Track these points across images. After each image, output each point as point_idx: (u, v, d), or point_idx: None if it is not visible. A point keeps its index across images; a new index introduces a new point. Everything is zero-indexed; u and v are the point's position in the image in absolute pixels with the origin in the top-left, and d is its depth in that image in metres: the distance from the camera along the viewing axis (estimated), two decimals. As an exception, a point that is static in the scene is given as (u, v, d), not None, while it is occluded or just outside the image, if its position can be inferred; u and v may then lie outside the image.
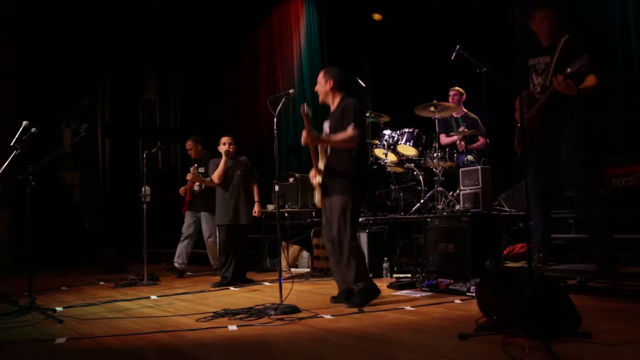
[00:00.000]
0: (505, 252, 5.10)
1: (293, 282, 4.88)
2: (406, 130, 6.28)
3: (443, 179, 5.84)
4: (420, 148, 6.29)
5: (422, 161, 6.27)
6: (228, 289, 5.30)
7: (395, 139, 6.28)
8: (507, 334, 2.64)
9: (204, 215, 6.50)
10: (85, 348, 2.98)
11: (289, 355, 2.71)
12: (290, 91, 4.07)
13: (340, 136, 3.94)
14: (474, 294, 4.07)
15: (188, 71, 11.01)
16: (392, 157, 6.36)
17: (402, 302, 4.05)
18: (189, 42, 10.60)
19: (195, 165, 6.39)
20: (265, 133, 9.09)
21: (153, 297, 4.79)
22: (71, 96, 9.35)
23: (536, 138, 4.08)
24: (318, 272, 6.26)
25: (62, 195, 9.49)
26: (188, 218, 6.58)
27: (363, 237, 5.73)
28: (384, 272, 5.59)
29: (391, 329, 3.17)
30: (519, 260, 4.91)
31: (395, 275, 5.55)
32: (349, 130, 3.90)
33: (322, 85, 4.18)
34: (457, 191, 5.50)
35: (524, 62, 4.17)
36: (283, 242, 6.72)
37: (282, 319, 3.48)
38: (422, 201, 5.91)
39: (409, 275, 5.29)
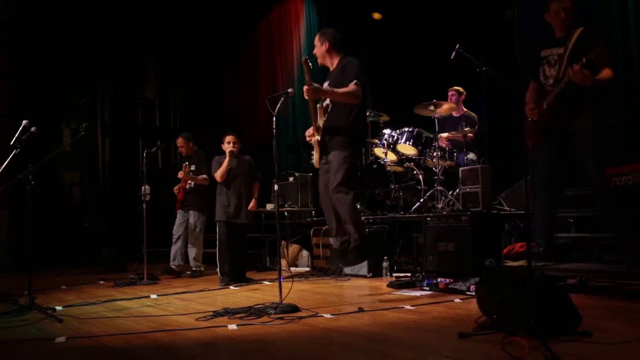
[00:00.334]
0: (505, 251, 5.11)
1: (293, 281, 4.88)
2: (406, 129, 6.28)
3: (443, 178, 5.84)
4: (420, 147, 6.29)
5: (421, 160, 6.28)
6: (228, 288, 5.31)
7: (395, 138, 6.29)
8: (507, 333, 2.64)
9: (192, 214, 6.49)
10: (85, 347, 2.98)
11: (288, 355, 2.71)
12: (289, 90, 4.07)
13: (343, 90, 3.94)
14: (473, 293, 4.07)
15: (188, 70, 11.00)
16: (391, 157, 6.37)
17: (401, 301, 4.04)
18: (189, 42, 10.59)
19: (186, 163, 6.39)
20: (264, 132, 9.09)
21: (153, 296, 4.79)
22: (71, 95, 9.35)
23: (548, 131, 4.04)
24: (318, 271, 6.26)
25: (62, 194, 9.48)
26: (179, 217, 6.56)
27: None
28: (384, 271, 5.59)
29: (391, 328, 3.17)
30: (519, 260, 4.91)
31: (395, 275, 5.55)
32: (352, 86, 3.92)
33: (319, 47, 4.24)
34: (457, 190, 5.50)
35: (536, 54, 4.14)
36: (283, 241, 6.72)
37: (281, 318, 3.48)
38: (421, 200, 5.91)
39: (409, 274, 5.29)
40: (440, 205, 5.62)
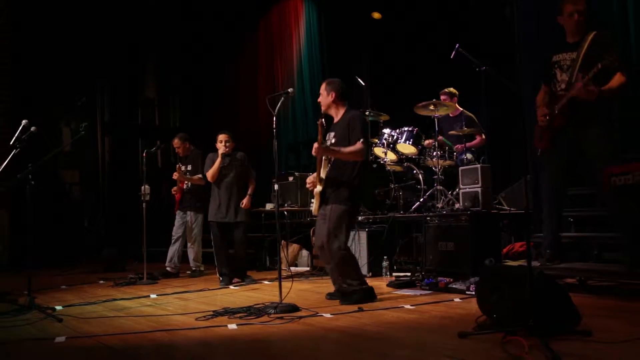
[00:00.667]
0: (504, 250, 5.11)
1: (292, 280, 4.88)
2: (405, 129, 6.28)
3: (442, 177, 5.84)
4: (419, 147, 6.29)
5: (421, 160, 6.27)
6: (228, 287, 5.31)
7: (395, 137, 6.28)
8: (507, 332, 2.64)
9: (189, 214, 6.48)
10: (85, 347, 2.98)
11: (288, 354, 2.71)
12: (289, 90, 4.08)
13: (350, 149, 4.00)
14: (473, 293, 4.08)
15: (187, 70, 11.00)
16: (391, 156, 6.36)
17: (401, 301, 4.05)
18: (189, 41, 10.58)
19: (179, 164, 6.38)
20: (264, 132, 9.08)
21: (152, 295, 4.79)
22: (71, 95, 9.34)
23: (559, 136, 4.02)
24: (317, 270, 6.27)
25: (62, 194, 9.47)
26: (178, 219, 6.54)
27: (362, 236, 5.74)
28: (384, 270, 5.59)
29: (390, 328, 3.17)
30: (519, 259, 4.92)
31: (394, 274, 5.55)
32: (359, 145, 3.98)
33: (324, 97, 4.24)
34: (457, 190, 5.50)
35: (547, 58, 4.13)
36: (282, 241, 6.72)
37: (281, 318, 3.48)
38: (421, 200, 5.91)
39: (409, 273, 5.29)
40: (440, 205, 5.62)
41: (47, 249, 7.78)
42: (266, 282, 5.63)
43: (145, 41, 10.41)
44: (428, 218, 5.04)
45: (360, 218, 5.97)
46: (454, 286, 4.44)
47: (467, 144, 6.21)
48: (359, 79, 6.96)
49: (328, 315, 3.56)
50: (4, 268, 7.94)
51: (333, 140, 4.17)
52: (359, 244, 5.73)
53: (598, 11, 4.77)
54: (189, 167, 6.46)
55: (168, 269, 6.48)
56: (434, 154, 5.86)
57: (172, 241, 6.53)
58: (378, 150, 6.45)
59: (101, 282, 6.06)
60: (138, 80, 10.88)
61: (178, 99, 11.24)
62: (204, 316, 3.60)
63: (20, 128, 4.31)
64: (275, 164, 4.01)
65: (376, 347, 2.74)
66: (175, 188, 6.49)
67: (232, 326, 3.30)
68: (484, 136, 6.25)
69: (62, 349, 2.95)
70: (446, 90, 6.47)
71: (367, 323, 3.32)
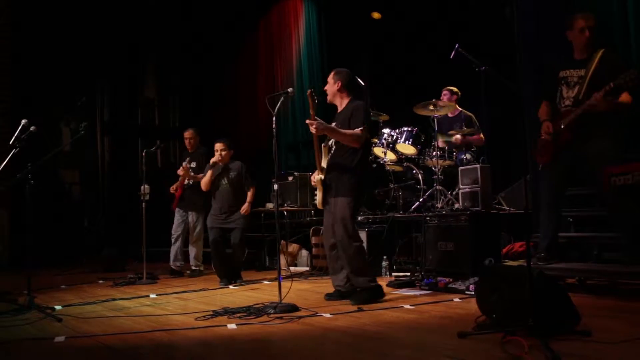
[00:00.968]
0: (504, 250, 5.11)
1: (292, 280, 4.88)
2: (405, 128, 6.28)
3: (442, 177, 5.84)
4: (419, 147, 6.29)
5: (421, 160, 6.27)
6: (227, 287, 5.31)
7: (395, 137, 6.28)
8: (506, 332, 2.64)
9: (191, 214, 6.48)
10: (84, 347, 2.98)
11: (288, 354, 2.71)
12: (288, 90, 4.07)
13: (347, 131, 3.99)
14: (473, 293, 4.08)
15: (187, 70, 10.99)
16: (391, 156, 6.36)
17: (401, 301, 4.05)
18: (188, 41, 10.58)
19: (187, 159, 6.38)
20: (264, 132, 9.08)
21: (152, 295, 4.79)
22: (70, 95, 9.34)
23: (563, 151, 4.01)
24: (317, 270, 6.27)
25: (61, 193, 9.47)
26: (177, 217, 6.54)
27: (362, 236, 5.71)
28: (383, 270, 5.59)
29: (390, 328, 3.17)
30: (518, 259, 4.92)
31: (394, 274, 5.55)
32: (357, 131, 3.97)
33: (331, 85, 4.25)
34: (456, 190, 5.50)
35: (553, 73, 4.14)
36: (282, 241, 6.72)
37: (281, 318, 3.48)
38: (421, 200, 5.91)
39: (408, 273, 5.29)
40: (439, 205, 5.62)
41: (46, 249, 7.78)
42: (266, 282, 5.63)
43: (145, 41, 10.41)
44: (428, 218, 5.03)
45: (360, 218, 5.97)
46: (453, 286, 4.44)
47: (469, 138, 6.21)
48: (359, 79, 6.95)
49: (327, 315, 3.56)
50: (3, 268, 7.94)
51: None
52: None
53: (598, 11, 4.78)
54: (193, 165, 6.46)
55: (173, 267, 6.49)
56: (434, 154, 5.86)
57: (173, 240, 6.53)
58: (378, 150, 6.45)
59: (101, 282, 6.05)
60: (138, 80, 10.88)
61: (178, 98, 11.24)
62: (204, 316, 3.60)
63: (19, 128, 4.31)
64: (275, 163, 4.01)
65: (376, 347, 2.74)
66: (175, 185, 6.48)
67: (232, 326, 3.30)
68: (482, 136, 6.24)
69: (61, 348, 2.95)
70: (448, 87, 6.47)
71: (366, 323, 3.32)
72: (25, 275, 4.15)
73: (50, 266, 7.63)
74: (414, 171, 6.27)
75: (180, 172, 6.32)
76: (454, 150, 6.19)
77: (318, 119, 3.93)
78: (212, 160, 5.65)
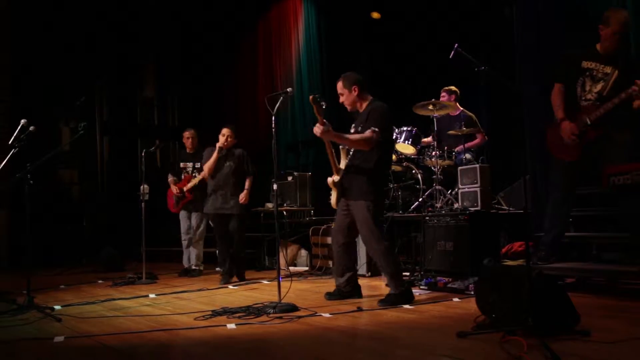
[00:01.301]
0: (503, 250, 5.11)
1: (291, 280, 4.88)
2: (404, 128, 6.27)
3: (442, 177, 5.83)
4: (418, 146, 6.29)
5: (420, 159, 6.27)
6: (227, 287, 5.30)
7: (394, 137, 6.27)
8: (506, 332, 2.64)
9: (194, 215, 6.47)
10: (84, 346, 2.98)
11: (287, 354, 2.71)
12: (288, 90, 4.06)
13: (356, 136, 3.92)
14: (472, 292, 4.08)
15: (186, 69, 10.98)
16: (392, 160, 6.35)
17: (400, 301, 4.04)
18: (188, 40, 10.57)
19: (195, 173, 6.37)
20: (263, 131, 9.08)
21: (151, 295, 4.79)
22: (69, 94, 9.32)
23: (591, 146, 3.97)
24: (317, 270, 6.27)
25: (61, 193, 9.46)
26: (184, 220, 6.54)
27: (362, 236, 5.73)
28: (383, 270, 5.58)
29: (389, 327, 3.17)
30: (518, 259, 4.92)
31: (393, 274, 5.54)
32: (367, 133, 3.87)
33: (348, 94, 4.10)
34: (456, 189, 5.50)
35: (573, 59, 4.08)
36: (281, 241, 6.72)
37: (280, 318, 3.48)
38: (420, 199, 5.91)
39: (408, 273, 5.29)
40: (439, 205, 5.62)
41: (46, 249, 7.78)
42: (265, 282, 5.62)
43: (144, 40, 10.39)
44: (427, 218, 5.03)
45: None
46: (453, 286, 4.44)
47: (467, 144, 6.20)
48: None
49: (327, 315, 3.55)
50: (3, 267, 7.93)
51: (353, 131, 4.09)
52: (357, 244, 5.72)
53: (597, 11, 4.78)
54: (197, 165, 6.46)
55: (194, 267, 6.51)
56: (433, 153, 5.85)
57: (185, 245, 6.54)
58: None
59: (100, 281, 6.05)
60: (137, 80, 10.87)
61: (177, 98, 11.24)
62: (203, 316, 3.60)
63: (19, 127, 4.30)
64: (275, 163, 4.01)
65: (375, 347, 2.74)
66: (177, 190, 6.44)
67: (231, 326, 3.30)
68: (484, 136, 6.24)
69: (60, 348, 2.95)
70: (447, 87, 6.47)
71: (366, 323, 3.32)
72: (24, 275, 4.14)
73: (49, 266, 7.62)
74: (414, 171, 6.27)
75: (188, 186, 6.31)
76: (453, 150, 6.18)
77: (327, 123, 3.82)
78: (218, 144, 5.63)
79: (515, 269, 3.40)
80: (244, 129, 9.63)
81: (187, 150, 6.69)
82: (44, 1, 8.92)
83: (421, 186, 6.06)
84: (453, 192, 5.69)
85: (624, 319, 3.15)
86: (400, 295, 3.93)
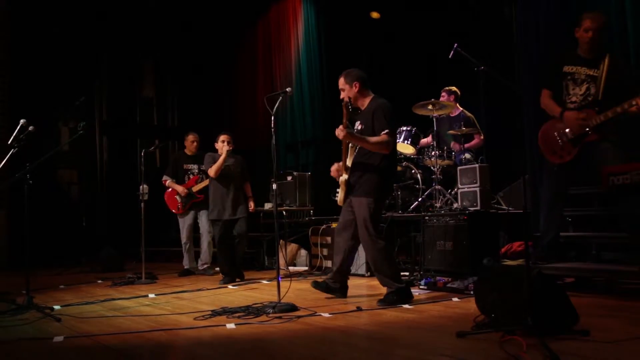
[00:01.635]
0: (503, 250, 5.11)
1: (291, 280, 4.88)
2: (404, 128, 6.28)
3: (441, 177, 5.84)
4: (418, 146, 6.29)
5: (419, 159, 6.28)
6: (226, 287, 5.30)
7: (393, 137, 6.27)
8: (505, 331, 2.64)
9: (203, 213, 6.47)
10: (83, 346, 2.98)
11: (286, 354, 2.70)
12: (287, 89, 4.07)
13: (376, 139, 3.93)
14: (471, 292, 4.08)
15: (186, 69, 10.98)
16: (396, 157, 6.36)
17: (400, 300, 4.04)
18: (187, 40, 10.57)
19: (202, 175, 6.38)
20: (262, 131, 9.08)
21: (151, 295, 4.79)
22: (69, 94, 9.31)
23: (587, 149, 3.98)
24: (316, 270, 6.27)
25: (60, 193, 9.45)
26: (188, 221, 6.53)
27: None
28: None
29: (389, 327, 3.17)
30: (517, 258, 4.92)
31: (393, 274, 5.54)
32: (384, 136, 3.90)
33: (349, 89, 4.13)
34: (455, 189, 5.50)
35: (556, 66, 4.13)
36: (281, 241, 6.72)
37: (280, 317, 3.48)
38: (420, 199, 5.91)
39: (407, 273, 5.29)
40: (438, 204, 5.62)
41: (45, 249, 7.77)
42: (264, 282, 5.62)
43: (143, 40, 10.39)
44: (426, 218, 5.03)
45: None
46: (452, 286, 4.44)
47: (466, 145, 6.21)
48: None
49: (326, 315, 3.56)
50: (2, 267, 7.93)
51: (359, 128, 4.13)
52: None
53: (596, 10, 4.79)
54: (203, 167, 6.46)
55: (201, 268, 6.52)
56: (432, 153, 5.86)
57: (188, 247, 6.55)
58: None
59: (99, 281, 6.05)
60: (136, 79, 10.87)
61: (176, 98, 11.23)
62: (203, 316, 3.60)
63: (18, 127, 4.30)
64: (274, 163, 4.01)
65: (375, 347, 2.75)
66: (195, 188, 6.44)
67: (231, 326, 3.30)
68: (482, 137, 6.25)
69: (60, 348, 2.95)
70: (447, 88, 6.47)
71: (365, 322, 3.32)
72: (23, 275, 4.14)
73: (49, 266, 7.62)
74: (413, 171, 6.27)
75: (196, 187, 6.31)
76: (452, 150, 6.19)
77: (349, 125, 3.94)
78: (226, 148, 5.66)
79: (514, 269, 3.40)
80: (244, 128, 9.65)
81: (189, 153, 6.70)
82: (43, 1, 8.91)
83: (420, 186, 6.07)
84: (452, 192, 5.69)
85: (623, 319, 3.15)
86: (399, 295, 3.94)
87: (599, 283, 4.36)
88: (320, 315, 3.56)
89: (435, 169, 5.76)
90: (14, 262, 7.94)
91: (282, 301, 3.75)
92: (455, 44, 5.40)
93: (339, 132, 3.89)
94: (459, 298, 4.09)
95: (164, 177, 6.63)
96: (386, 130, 3.91)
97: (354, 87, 4.11)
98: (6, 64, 8.51)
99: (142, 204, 6.00)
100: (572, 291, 3.60)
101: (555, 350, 2.29)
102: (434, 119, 5.93)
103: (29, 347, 3.00)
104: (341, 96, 4.18)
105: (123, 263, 7.45)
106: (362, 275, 5.66)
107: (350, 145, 4.14)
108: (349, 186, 4.10)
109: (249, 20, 9.91)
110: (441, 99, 6.38)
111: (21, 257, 7.36)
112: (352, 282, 5.34)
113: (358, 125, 4.15)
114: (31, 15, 8.80)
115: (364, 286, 5.06)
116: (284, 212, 6.98)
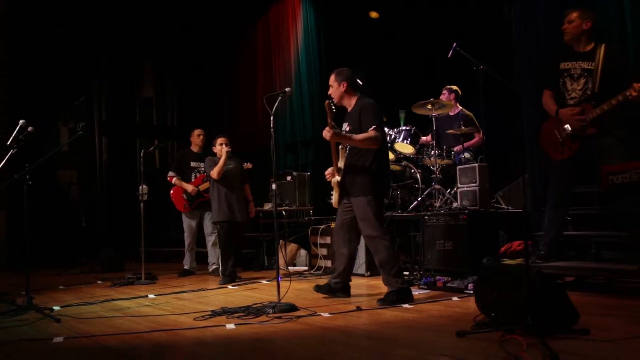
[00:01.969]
0: (502, 249, 5.12)
1: (291, 280, 4.88)
2: (403, 128, 6.28)
3: (440, 176, 5.84)
4: (417, 146, 6.29)
5: (419, 159, 6.28)
6: (226, 287, 5.30)
7: (393, 136, 6.28)
8: (505, 331, 2.64)
9: (208, 214, 6.46)
10: (83, 347, 2.98)
11: (286, 354, 2.70)
12: (286, 89, 4.08)
13: (363, 136, 3.95)
14: (471, 292, 4.08)
15: (185, 69, 10.98)
16: (389, 155, 6.36)
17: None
18: (187, 40, 10.56)
19: (207, 181, 6.39)
20: (262, 131, 9.08)
21: (151, 295, 4.79)
22: (68, 94, 9.32)
23: (587, 144, 3.98)
24: (316, 270, 6.27)
25: (59, 194, 9.45)
26: (191, 221, 6.52)
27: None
28: (382, 270, 5.58)
29: (389, 327, 3.17)
30: (517, 258, 4.92)
31: (393, 273, 5.54)
32: (371, 132, 3.93)
33: (336, 88, 4.20)
34: (455, 189, 5.50)
35: (554, 65, 4.15)
36: (281, 241, 6.72)
37: (279, 317, 3.48)
38: (419, 199, 5.91)
39: (407, 273, 5.29)
40: (438, 204, 5.62)
41: (45, 249, 7.77)
42: (264, 282, 5.62)
43: (143, 40, 10.39)
44: (426, 217, 5.03)
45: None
46: (452, 285, 4.44)
47: (465, 144, 6.21)
48: (357, 79, 6.95)
49: (326, 315, 3.56)
50: (2, 268, 7.92)
51: (347, 129, 4.15)
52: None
53: (596, 11, 4.79)
54: (200, 165, 6.45)
55: (215, 266, 6.49)
56: (432, 153, 5.86)
57: (191, 247, 6.54)
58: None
59: (99, 282, 6.05)
60: (136, 79, 10.87)
61: (176, 98, 11.23)
62: (202, 316, 3.60)
63: (17, 128, 4.30)
64: (274, 163, 4.01)
65: (375, 347, 2.75)
66: (194, 189, 6.43)
67: (231, 326, 3.30)
68: (482, 135, 6.25)
69: (59, 349, 2.94)
70: (448, 86, 6.48)
71: (365, 322, 3.32)
72: (23, 276, 4.14)
73: (48, 266, 7.62)
74: (413, 170, 6.27)
75: (203, 187, 6.31)
76: (452, 149, 6.19)
77: (335, 126, 3.97)
78: (226, 149, 5.70)
79: (514, 268, 3.40)
80: (243, 128, 9.65)
81: (196, 150, 6.68)
82: (43, 1, 8.90)
83: (420, 185, 6.07)
84: (452, 192, 5.69)
85: (623, 318, 3.15)
86: (399, 295, 3.94)
87: (599, 282, 4.37)
88: (320, 315, 3.56)
89: (435, 168, 5.76)
90: (13, 263, 7.94)
91: (281, 301, 3.75)
92: (455, 43, 5.40)
93: (326, 133, 3.93)
94: (458, 297, 4.09)
95: (170, 174, 6.59)
96: (373, 126, 3.94)
97: (341, 87, 4.18)
98: (6, 64, 8.50)
99: (142, 204, 5.99)
100: (572, 290, 3.60)
101: (555, 349, 2.29)
102: (434, 119, 5.93)
103: (29, 348, 3.00)
104: (329, 92, 4.24)
105: (123, 263, 7.44)
106: (362, 275, 5.66)
107: (340, 146, 4.18)
108: (343, 187, 4.12)
109: (248, 20, 9.90)
110: (442, 97, 6.38)
111: (21, 257, 7.35)
112: (352, 282, 5.34)
113: (346, 127, 4.18)
114: (31, 15, 8.80)
115: (364, 286, 5.06)
116: (284, 212, 6.98)
